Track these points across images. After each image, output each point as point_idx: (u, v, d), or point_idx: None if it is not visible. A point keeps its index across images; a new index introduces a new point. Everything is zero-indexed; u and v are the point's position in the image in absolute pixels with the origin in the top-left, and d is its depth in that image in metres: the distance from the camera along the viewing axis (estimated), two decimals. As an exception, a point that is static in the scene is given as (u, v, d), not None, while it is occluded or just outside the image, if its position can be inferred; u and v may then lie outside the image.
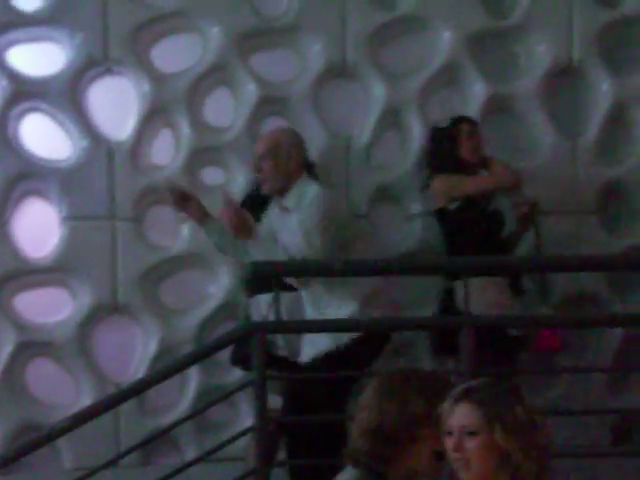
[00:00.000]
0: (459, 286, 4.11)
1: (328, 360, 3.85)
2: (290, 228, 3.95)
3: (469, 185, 4.43)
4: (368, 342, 3.87)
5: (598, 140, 4.82)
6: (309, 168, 4.15)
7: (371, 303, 3.93)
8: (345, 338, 3.85)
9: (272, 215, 4.10)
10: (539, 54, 4.80)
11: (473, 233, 4.38)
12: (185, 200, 4.04)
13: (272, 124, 4.60)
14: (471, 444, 2.16)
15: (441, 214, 4.45)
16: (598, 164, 4.83)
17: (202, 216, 4.05)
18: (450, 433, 2.18)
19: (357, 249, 4.04)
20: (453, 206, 4.40)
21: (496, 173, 4.48)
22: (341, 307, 3.88)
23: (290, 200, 4.03)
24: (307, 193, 3.99)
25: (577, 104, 4.84)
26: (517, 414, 2.16)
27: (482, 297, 4.09)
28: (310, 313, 3.96)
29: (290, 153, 4.04)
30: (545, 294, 4.45)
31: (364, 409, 2.32)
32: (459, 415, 2.17)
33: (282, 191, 4.04)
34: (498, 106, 4.76)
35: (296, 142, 4.12)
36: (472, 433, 2.16)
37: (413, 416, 2.27)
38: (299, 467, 3.84)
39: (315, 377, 3.78)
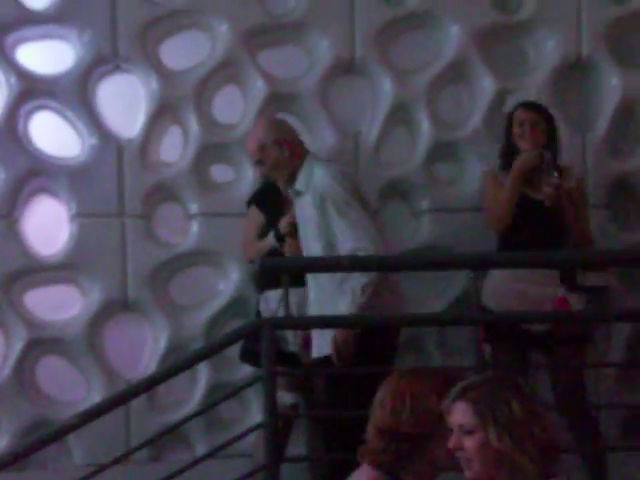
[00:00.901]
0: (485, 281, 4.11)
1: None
2: (304, 211, 3.98)
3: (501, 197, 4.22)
4: (377, 334, 3.85)
5: (607, 135, 4.81)
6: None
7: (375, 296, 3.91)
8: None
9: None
10: (548, 49, 4.79)
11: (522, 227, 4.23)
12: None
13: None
14: (469, 443, 2.17)
15: None
16: (608, 159, 4.82)
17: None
18: (452, 431, 2.20)
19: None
20: None
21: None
22: (340, 302, 3.86)
23: (300, 183, 4.02)
24: (314, 173, 3.99)
25: (586, 99, 4.83)
26: (513, 411, 2.15)
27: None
28: (313, 308, 3.94)
29: (278, 144, 4.01)
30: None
31: (377, 408, 2.32)
32: (456, 414, 2.19)
33: (291, 180, 4.04)
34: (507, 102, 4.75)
35: (278, 130, 4.08)
36: (469, 432, 2.17)
37: (426, 414, 2.27)
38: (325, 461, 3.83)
39: (324, 372, 3.77)
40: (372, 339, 3.80)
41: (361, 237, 3.86)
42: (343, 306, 3.81)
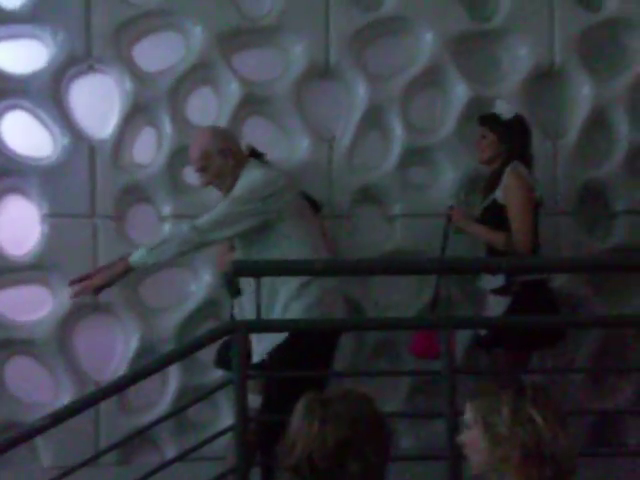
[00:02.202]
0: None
1: (281, 352, 3.84)
2: None
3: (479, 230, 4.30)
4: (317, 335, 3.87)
5: (578, 142, 4.85)
6: (257, 156, 4.11)
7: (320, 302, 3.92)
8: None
9: None
10: (521, 57, 4.83)
11: None
12: None
13: (254, 123, 4.60)
14: (465, 438, 2.30)
15: None
16: (578, 166, 4.86)
17: None
18: None
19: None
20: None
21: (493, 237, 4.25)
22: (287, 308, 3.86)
23: (237, 189, 3.99)
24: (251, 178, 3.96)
25: (558, 107, 4.87)
26: (502, 414, 2.21)
27: None
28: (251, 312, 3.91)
29: (223, 152, 3.99)
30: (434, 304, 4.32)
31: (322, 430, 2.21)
32: (466, 410, 2.32)
33: (232, 187, 4.00)
34: (480, 108, 4.76)
35: (221, 138, 4.04)
36: (469, 428, 2.31)
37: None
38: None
39: (298, 374, 3.76)
40: (312, 338, 3.82)
41: (208, 221, 3.81)
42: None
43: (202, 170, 4.03)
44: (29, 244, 4.46)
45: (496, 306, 4.22)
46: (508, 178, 4.24)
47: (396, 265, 4.06)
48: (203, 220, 3.85)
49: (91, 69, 4.54)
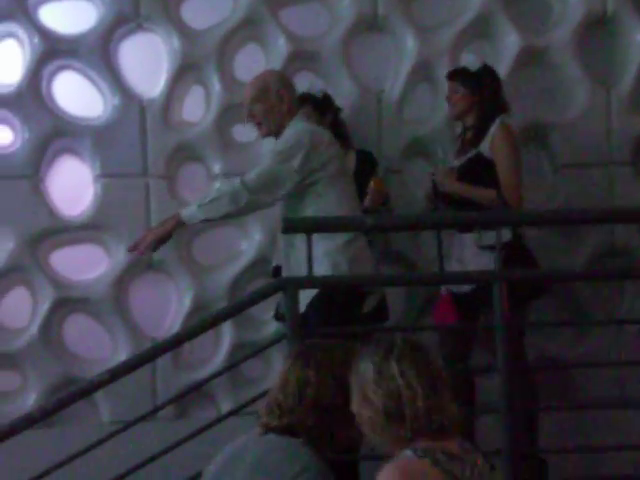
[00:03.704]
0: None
1: (316, 306, 3.85)
2: None
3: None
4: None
5: (632, 91, 4.75)
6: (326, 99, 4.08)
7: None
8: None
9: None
10: (573, 4, 4.73)
11: None
12: None
13: (303, 79, 4.59)
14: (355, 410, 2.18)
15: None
16: (633, 115, 4.77)
17: None
18: None
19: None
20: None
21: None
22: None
23: (281, 142, 3.97)
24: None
25: (611, 55, 4.78)
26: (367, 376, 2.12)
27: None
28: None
29: (280, 94, 3.98)
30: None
31: (301, 383, 2.27)
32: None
33: (277, 134, 4.00)
34: (532, 58, 4.71)
35: (285, 83, 4.04)
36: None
37: (348, 386, 2.19)
38: None
39: (361, 329, 3.77)
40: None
41: (257, 181, 3.80)
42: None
43: (255, 102, 4.00)
44: (83, 204, 4.52)
45: (477, 262, 4.10)
46: (498, 131, 4.15)
47: (446, 220, 4.05)
48: (251, 177, 3.84)
49: (140, 28, 4.55)
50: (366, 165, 4.38)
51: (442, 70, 4.65)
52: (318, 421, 2.24)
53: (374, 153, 4.49)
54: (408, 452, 2.06)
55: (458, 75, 4.29)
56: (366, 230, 3.87)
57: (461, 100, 4.26)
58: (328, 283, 3.82)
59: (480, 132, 4.21)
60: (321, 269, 3.78)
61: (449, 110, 4.36)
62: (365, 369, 2.12)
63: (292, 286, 3.58)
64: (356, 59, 4.65)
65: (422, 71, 4.67)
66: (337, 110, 4.42)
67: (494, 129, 4.18)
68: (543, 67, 4.74)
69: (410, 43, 4.65)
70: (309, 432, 2.25)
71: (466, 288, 4.11)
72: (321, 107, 4.33)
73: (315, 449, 2.25)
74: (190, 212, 3.86)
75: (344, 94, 4.60)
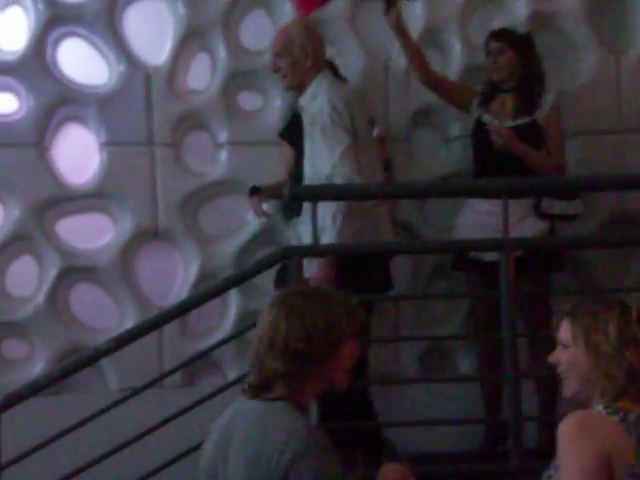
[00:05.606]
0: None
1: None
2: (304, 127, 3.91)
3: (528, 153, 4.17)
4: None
5: (643, 57, 4.70)
6: (332, 68, 4.06)
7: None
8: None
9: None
10: (583, -31, 4.67)
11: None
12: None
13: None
14: (563, 357, 2.26)
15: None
16: (642, 81, 4.72)
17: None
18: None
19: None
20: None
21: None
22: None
23: (305, 98, 3.95)
24: (319, 92, 3.88)
25: (621, 20, 4.72)
26: (607, 332, 2.19)
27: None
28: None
29: (305, 49, 3.93)
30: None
31: (272, 329, 2.25)
32: (561, 329, 2.28)
33: (299, 88, 3.96)
34: (541, 23, 4.65)
35: (312, 37, 3.99)
36: (566, 347, 2.26)
37: (321, 334, 2.22)
38: None
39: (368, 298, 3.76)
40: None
41: (337, 163, 3.80)
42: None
43: (279, 56, 3.96)
44: (88, 172, 4.50)
45: (539, 231, 4.14)
46: (555, 103, 4.23)
47: (453, 188, 4.02)
48: (335, 166, 3.79)
49: (144, -6, 4.52)
50: None
51: (450, 36, 4.61)
52: (288, 367, 2.22)
53: (381, 121, 4.46)
54: (599, 407, 2.17)
55: (505, 35, 4.23)
56: (372, 197, 3.84)
57: (507, 63, 4.21)
58: (332, 252, 3.81)
59: (530, 99, 4.19)
60: (328, 237, 3.76)
61: (492, 71, 4.27)
62: (601, 328, 2.19)
63: (296, 254, 3.57)
64: (364, 25, 4.61)
65: (430, 37, 4.62)
66: (343, 80, 4.38)
67: (551, 99, 4.23)
68: (552, 33, 4.68)
69: (418, 9, 4.60)
70: (284, 383, 2.23)
71: (494, 256, 4.01)
72: None
73: (297, 408, 2.23)
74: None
75: (351, 62, 4.56)
